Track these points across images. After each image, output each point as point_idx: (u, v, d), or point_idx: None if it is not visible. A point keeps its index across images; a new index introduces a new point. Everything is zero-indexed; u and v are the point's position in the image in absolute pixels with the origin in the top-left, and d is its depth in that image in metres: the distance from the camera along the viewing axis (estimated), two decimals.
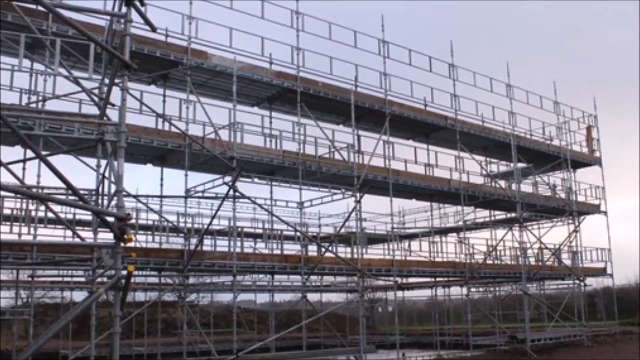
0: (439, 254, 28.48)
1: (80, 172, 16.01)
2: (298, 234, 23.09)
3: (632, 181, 72.46)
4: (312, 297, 30.95)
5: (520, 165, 29.27)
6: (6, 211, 18.06)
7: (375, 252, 30.37)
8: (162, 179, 20.63)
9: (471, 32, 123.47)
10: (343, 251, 26.28)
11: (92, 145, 12.90)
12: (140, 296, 32.16)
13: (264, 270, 21.31)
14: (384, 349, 29.29)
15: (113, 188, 10.40)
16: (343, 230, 25.25)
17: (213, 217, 19.92)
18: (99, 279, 13.21)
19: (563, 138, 32.06)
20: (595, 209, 32.92)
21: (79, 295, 29.85)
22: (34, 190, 13.75)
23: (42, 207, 17.25)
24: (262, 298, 37.59)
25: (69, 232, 18.71)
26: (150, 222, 25.18)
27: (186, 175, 18.88)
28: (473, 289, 31.94)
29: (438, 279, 32.19)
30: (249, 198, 19.06)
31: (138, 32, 16.54)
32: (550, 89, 32.20)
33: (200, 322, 25.65)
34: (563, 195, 31.49)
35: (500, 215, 32.86)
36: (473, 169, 28.61)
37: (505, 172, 31.11)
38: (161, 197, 20.93)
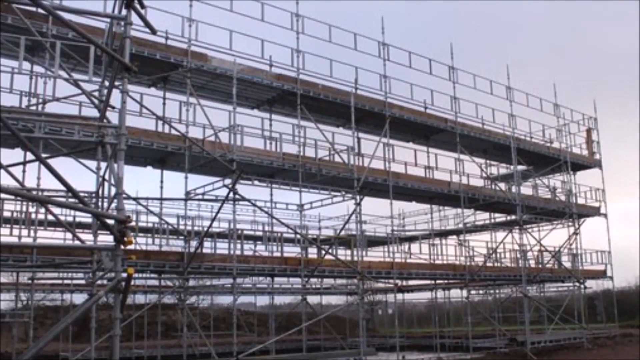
0: (439, 257, 28.53)
1: (80, 175, 16.04)
2: (298, 236, 23.08)
3: (632, 183, 72.55)
4: (312, 299, 30.99)
5: (520, 167, 29.29)
6: (6, 214, 18.07)
7: (375, 255, 30.36)
8: (162, 182, 20.65)
9: (471, 33, 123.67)
10: (343, 254, 26.35)
11: (92, 147, 12.90)
12: (140, 299, 32.14)
13: (264, 273, 21.34)
14: (384, 352, 29.28)
15: (113, 190, 10.40)
16: (343, 232, 25.23)
17: (213, 220, 19.89)
18: (99, 282, 13.19)
19: (563, 140, 32.08)
20: (595, 212, 32.92)
21: (79, 298, 29.80)
22: (34, 192, 13.74)
23: (42, 210, 17.24)
24: (262, 300, 37.71)
25: (69, 235, 18.69)
26: (150, 225, 25.18)
27: (186, 177, 18.89)
28: (473, 292, 31.94)
29: (438, 281, 32.11)
30: (249, 200, 19.07)
31: (138, 35, 16.57)
32: (550, 90, 32.23)
33: (200, 324, 25.65)
34: (563, 198, 31.49)
35: (500, 217, 32.87)
36: (473, 171, 28.72)
37: (505, 174, 31.09)
38: (161, 199, 20.93)
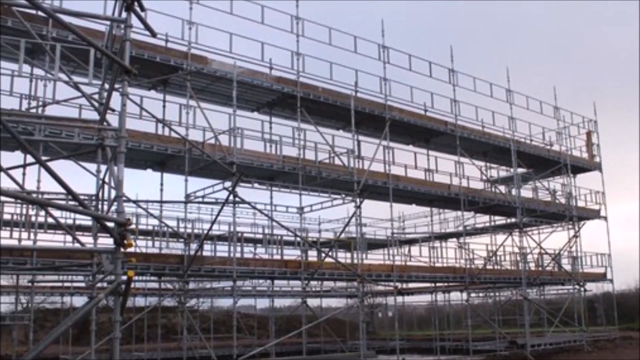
0: (439, 259, 28.48)
1: (80, 178, 16.02)
2: (298, 239, 23.08)
3: (632, 186, 72.49)
4: (312, 302, 30.99)
5: (520, 170, 29.30)
6: (6, 216, 18.04)
7: (375, 258, 30.45)
8: (162, 184, 20.67)
9: (471, 35, 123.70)
10: (343, 256, 26.24)
11: (92, 150, 12.90)
12: (140, 301, 32.16)
13: (264, 276, 21.29)
14: (384, 354, 29.29)
15: (113, 193, 10.40)
16: (343, 235, 25.22)
17: (213, 223, 19.90)
18: (99, 284, 13.20)
19: (563, 143, 32.08)
20: (595, 214, 32.91)
21: (79, 301, 29.84)
22: (34, 195, 13.74)
23: (42, 213, 17.23)
24: (262, 303, 37.72)
25: (69, 238, 18.70)
26: (150, 228, 25.14)
27: (186, 180, 18.89)
28: (473, 294, 31.94)
29: (438, 284, 32.12)
30: (249, 203, 19.07)
31: (138, 38, 16.54)
32: (550, 93, 32.24)
33: (200, 327, 25.59)
34: (563, 201, 31.49)
35: (500, 220, 32.88)
36: (473, 174, 28.64)
37: (505, 177, 31.12)
38: (161, 202, 20.94)
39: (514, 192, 28.99)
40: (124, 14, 8.75)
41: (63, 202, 13.26)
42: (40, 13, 13.34)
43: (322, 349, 30.61)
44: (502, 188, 29.88)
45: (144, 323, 29.45)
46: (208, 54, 19.40)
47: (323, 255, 21.41)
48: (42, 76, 15.98)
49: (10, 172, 12.34)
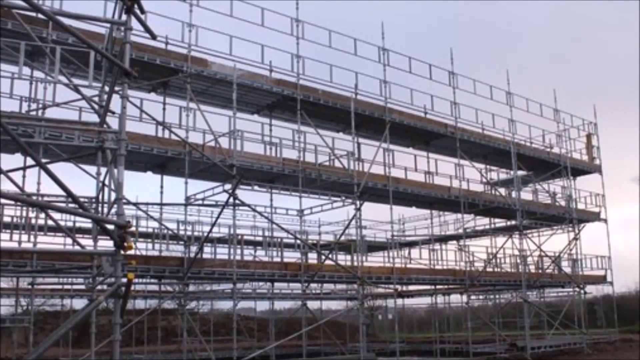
0: (439, 262, 28.48)
1: (80, 180, 15.99)
2: (298, 241, 23.08)
3: (632, 189, 72.42)
4: (312, 304, 30.99)
5: (520, 172, 29.29)
6: (6, 219, 18.06)
7: (375, 260, 30.36)
8: (162, 187, 20.67)
9: (471, 40, 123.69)
10: (343, 259, 26.27)
11: (92, 152, 12.91)
12: (140, 304, 32.10)
13: (264, 278, 21.29)
14: (384, 357, 29.18)
15: (113, 196, 10.40)
16: (343, 237, 25.22)
17: (213, 225, 19.92)
18: (99, 287, 13.20)
19: (563, 146, 32.10)
20: (595, 217, 32.91)
21: (79, 303, 29.83)
22: (34, 198, 13.75)
23: (42, 215, 17.24)
24: (262, 306, 37.54)
25: (69, 240, 18.71)
26: (150, 230, 25.18)
27: (186, 182, 18.89)
28: (473, 297, 31.92)
29: (438, 286, 32.13)
30: (249, 206, 19.07)
31: (138, 40, 16.55)
32: (550, 95, 32.27)
33: (200, 329, 25.59)
34: (563, 203, 31.50)
35: (500, 222, 32.86)
36: (473, 176, 28.64)
37: (505, 179, 31.12)
38: (161, 204, 20.94)
39: (514, 194, 29.00)
40: (124, 17, 8.76)
41: (63, 205, 13.29)
42: (40, 15, 13.32)
43: (322, 351, 30.53)
44: (502, 190, 29.90)
45: (144, 325, 29.41)
46: (208, 57, 19.43)
47: (323, 257, 21.41)
48: (42, 79, 16.00)
49: (10, 174, 12.33)
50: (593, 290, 36.25)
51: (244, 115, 22.41)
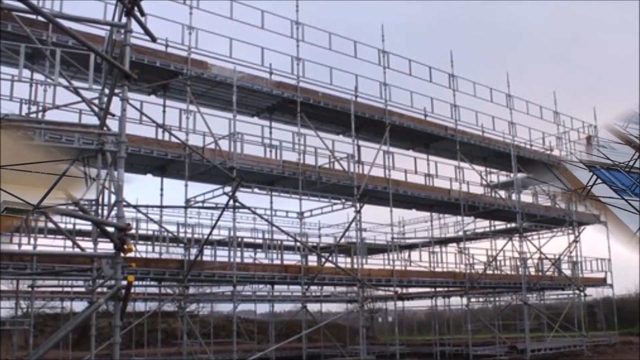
0: (439, 264, 28.53)
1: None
2: (298, 244, 23.06)
3: None
4: (312, 307, 30.91)
5: (520, 175, 29.27)
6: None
7: (375, 262, 30.30)
8: (162, 189, 20.65)
9: (471, 40, 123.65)
10: (343, 261, 26.31)
11: (92, 155, 12.91)
12: (140, 306, 32.09)
13: (264, 281, 21.32)
14: (384, 359, 29.20)
15: (113, 198, 10.41)
16: (343, 240, 25.21)
17: (213, 227, 19.88)
18: (99, 289, 13.22)
19: (563, 148, 32.07)
20: (595, 219, 32.80)
21: (79, 306, 29.77)
22: None
23: (42, 217, 17.23)
24: (262, 308, 37.67)
25: (69, 243, 18.68)
26: (150, 232, 25.15)
27: (186, 185, 18.91)
28: (473, 299, 31.88)
29: (438, 289, 32.12)
30: (249, 208, 19.07)
31: (138, 42, 16.56)
32: (550, 98, 32.26)
33: (200, 332, 25.57)
34: (563, 206, 31.47)
35: (500, 225, 32.83)
36: (473, 179, 28.65)
37: (505, 182, 31.11)
38: (161, 207, 20.92)
39: (514, 197, 29.00)
40: (124, 19, 8.77)
41: (63, 207, 13.29)
42: (40, 18, 13.32)
43: (322, 354, 30.52)
44: (502, 193, 29.89)
45: (144, 328, 29.41)
46: (208, 59, 19.45)
47: (323, 260, 21.40)
48: (42, 81, 16.02)
49: None
50: (593, 293, 36.19)
51: (244, 118, 22.45)
